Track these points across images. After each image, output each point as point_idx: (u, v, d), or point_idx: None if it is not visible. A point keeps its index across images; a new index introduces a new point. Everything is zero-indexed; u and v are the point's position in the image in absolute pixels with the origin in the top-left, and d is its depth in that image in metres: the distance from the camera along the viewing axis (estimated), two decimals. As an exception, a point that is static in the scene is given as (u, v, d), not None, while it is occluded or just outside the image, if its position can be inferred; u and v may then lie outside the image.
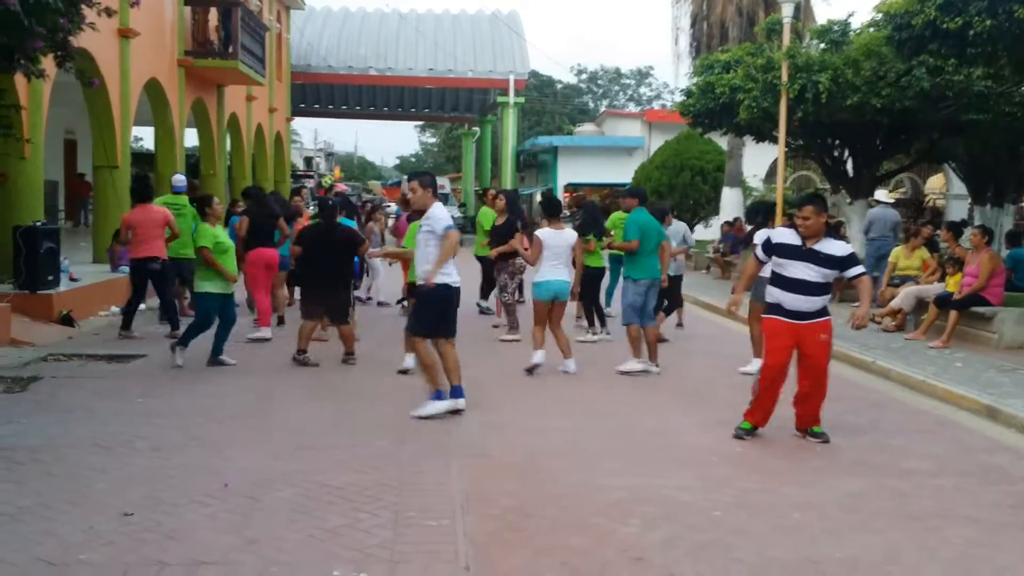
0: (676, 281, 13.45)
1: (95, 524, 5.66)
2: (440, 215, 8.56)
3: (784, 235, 8.15)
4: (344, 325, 11.17)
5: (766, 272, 10.40)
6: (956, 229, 14.86)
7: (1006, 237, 15.26)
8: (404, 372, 10.34)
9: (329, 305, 11.08)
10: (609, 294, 15.23)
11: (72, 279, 14.39)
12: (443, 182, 47.26)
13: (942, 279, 13.86)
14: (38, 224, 13.46)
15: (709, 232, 29.44)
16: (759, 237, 11.32)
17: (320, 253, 11.08)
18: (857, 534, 5.84)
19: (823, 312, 8.01)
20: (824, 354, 8.02)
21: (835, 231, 8.19)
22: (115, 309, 14.42)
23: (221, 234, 10.97)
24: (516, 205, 13.97)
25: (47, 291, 13.15)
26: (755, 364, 11.26)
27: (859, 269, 8.06)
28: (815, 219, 7.90)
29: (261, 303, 12.87)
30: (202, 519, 5.79)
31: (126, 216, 13.20)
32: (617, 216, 14.29)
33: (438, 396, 8.57)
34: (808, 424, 8.15)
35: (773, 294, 8.08)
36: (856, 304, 8.26)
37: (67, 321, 13.05)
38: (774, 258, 8.11)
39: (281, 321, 13.67)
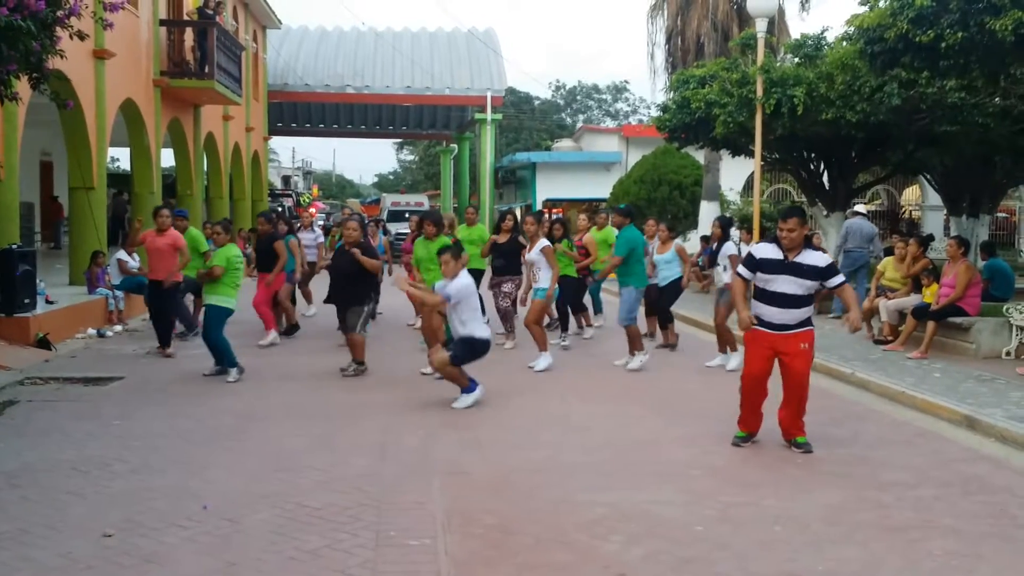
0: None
1: (73, 549, 5.61)
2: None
3: (765, 250, 8.19)
4: (354, 334, 11.50)
5: (729, 281, 10.75)
6: (924, 243, 14.96)
7: (980, 247, 15.34)
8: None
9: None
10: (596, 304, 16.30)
11: (48, 301, 14.30)
12: (421, 199, 47.22)
13: (917, 291, 13.91)
14: (14, 247, 13.37)
15: (688, 246, 29.47)
16: (725, 252, 11.82)
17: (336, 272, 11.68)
18: (838, 546, 5.84)
19: (805, 323, 8.08)
20: (805, 364, 8.09)
21: (808, 242, 8.22)
22: (91, 331, 14.35)
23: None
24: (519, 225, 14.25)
25: (23, 314, 13.06)
26: (718, 359, 12.27)
27: (840, 278, 8.17)
28: (799, 231, 7.97)
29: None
30: (181, 542, 5.75)
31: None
32: (606, 233, 14.71)
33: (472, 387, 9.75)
34: (792, 435, 8.20)
35: (757, 308, 8.13)
36: (832, 315, 8.32)
37: (44, 344, 12.96)
38: (758, 274, 8.14)
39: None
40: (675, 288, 13.87)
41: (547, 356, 12.01)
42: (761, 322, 8.12)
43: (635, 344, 12.11)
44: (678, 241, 14.50)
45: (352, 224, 11.70)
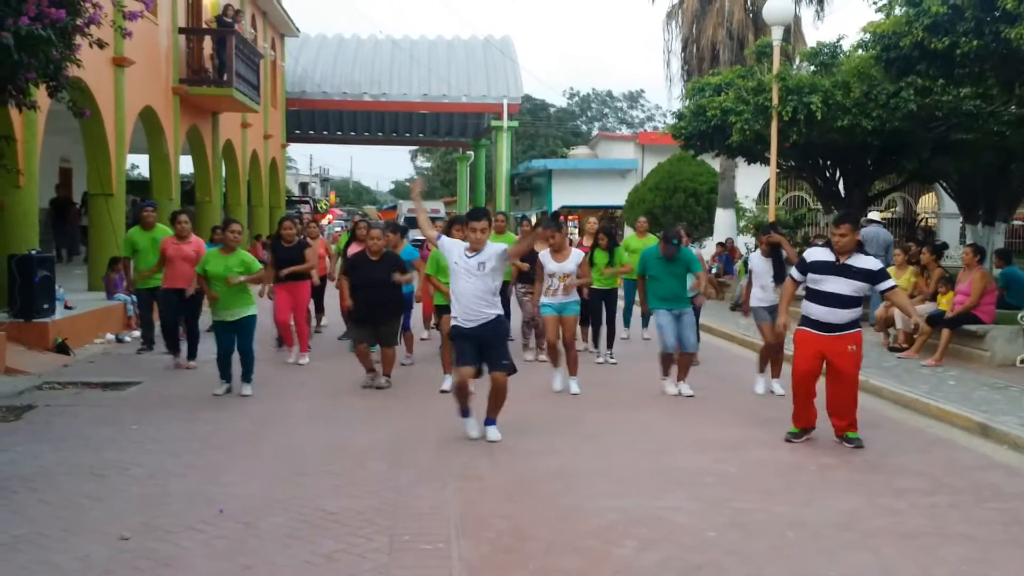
0: None
1: (90, 552, 5.66)
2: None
3: (817, 253, 8.63)
4: (389, 348, 11.17)
5: (761, 302, 10.62)
6: (938, 251, 14.96)
7: (995, 254, 15.30)
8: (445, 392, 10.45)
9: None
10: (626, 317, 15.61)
11: (67, 307, 14.39)
12: (437, 206, 47.31)
13: (932, 299, 13.90)
14: (33, 252, 13.48)
15: (703, 253, 29.49)
16: (752, 262, 11.40)
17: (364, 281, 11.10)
18: (852, 553, 5.85)
19: (853, 324, 8.45)
20: (853, 364, 8.45)
21: (860, 247, 8.51)
22: (110, 337, 14.44)
23: (211, 262, 10.80)
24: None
25: (42, 319, 13.15)
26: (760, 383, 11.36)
27: (891, 282, 8.56)
28: (851, 236, 8.37)
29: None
30: (197, 546, 5.80)
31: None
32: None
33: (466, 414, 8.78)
34: (844, 430, 8.55)
35: (807, 308, 8.52)
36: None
37: (62, 349, 13.05)
38: (809, 275, 8.52)
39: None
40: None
41: (575, 380, 11.13)
42: (809, 322, 8.50)
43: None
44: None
45: (375, 233, 11.22)
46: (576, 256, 11.25)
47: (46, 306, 13.32)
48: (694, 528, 6.26)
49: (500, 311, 8.66)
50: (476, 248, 8.45)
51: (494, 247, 8.57)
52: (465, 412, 8.72)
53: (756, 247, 14.58)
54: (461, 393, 8.56)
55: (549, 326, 11.26)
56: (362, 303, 11.06)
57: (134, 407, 9.95)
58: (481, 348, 8.49)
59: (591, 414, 9.89)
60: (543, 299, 11.18)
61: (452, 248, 8.68)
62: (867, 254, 8.58)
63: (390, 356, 11.21)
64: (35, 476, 7.29)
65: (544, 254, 11.24)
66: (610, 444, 8.60)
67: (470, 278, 8.42)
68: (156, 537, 5.92)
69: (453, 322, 8.65)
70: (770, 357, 11.17)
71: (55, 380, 11.33)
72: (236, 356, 10.78)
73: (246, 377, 10.78)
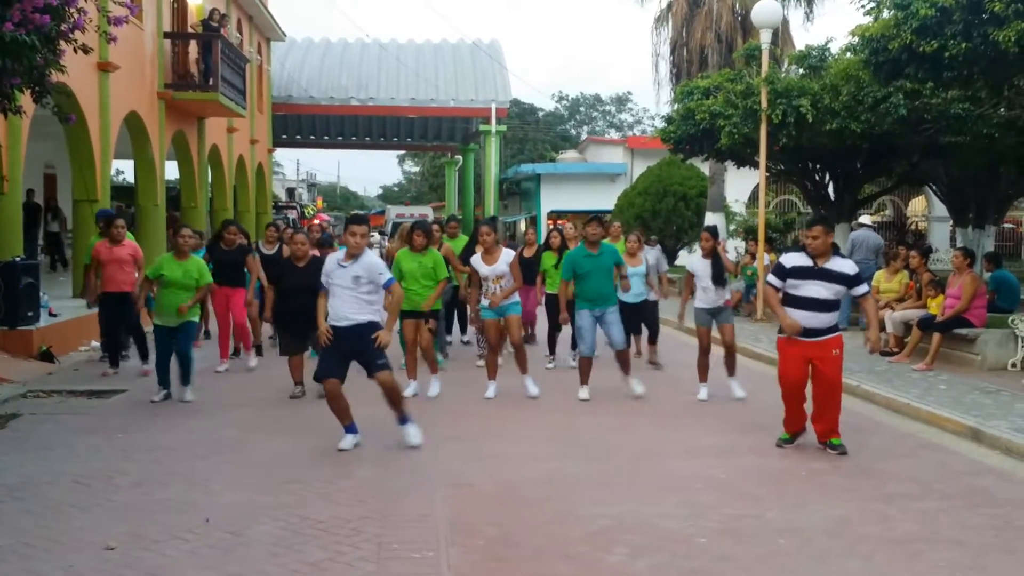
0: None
1: (75, 562, 5.60)
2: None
3: (794, 258, 8.54)
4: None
5: (704, 303, 10.46)
6: (925, 254, 14.96)
7: (985, 258, 15.31)
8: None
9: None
10: None
11: (51, 314, 14.31)
12: (426, 211, 47.23)
13: (919, 299, 13.90)
14: (17, 260, 13.39)
15: (693, 257, 29.52)
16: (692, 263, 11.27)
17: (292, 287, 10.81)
18: (842, 559, 5.82)
19: (834, 328, 8.42)
20: (836, 370, 8.43)
21: (836, 250, 8.46)
22: (95, 344, 14.35)
23: (168, 267, 10.65)
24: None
25: (27, 327, 13.07)
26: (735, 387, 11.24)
27: (865, 288, 8.54)
28: (824, 238, 8.31)
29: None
30: (183, 555, 5.74)
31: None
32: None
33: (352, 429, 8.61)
34: (828, 437, 8.50)
35: (788, 314, 8.41)
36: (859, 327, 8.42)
37: (47, 357, 12.97)
38: (788, 280, 8.45)
39: (259, 351, 13.57)
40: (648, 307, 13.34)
41: (529, 378, 11.15)
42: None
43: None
44: (655, 253, 13.78)
45: (300, 238, 11.04)
46: (507, 256, 11.00)
47: (31, 313, 13.24)
48: (685, 534, 6.22)
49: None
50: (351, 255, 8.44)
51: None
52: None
53: (746, 251, 14.59)
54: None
55: (489, 331, 11.11)
56: (290, 311, 10.79)
57: (119, 415, 9.89)
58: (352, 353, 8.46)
59: (580, 420, 9.85)
60: (484, 302, 11.00)
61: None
62: (842, 256, 8.55)
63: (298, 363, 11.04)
64: (19, 485, 7.22)
65: (475, 258, 11.07)
66: (600, 450, 8.55)
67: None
68: (142, 546, 5.86)
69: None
70: (707, 363, 11.12)
71: (40, 388, 11.25)
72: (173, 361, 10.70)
73: (185, 380, 10.65)
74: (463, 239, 14.49)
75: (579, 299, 10.85)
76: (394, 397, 8.52)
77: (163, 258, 10.96)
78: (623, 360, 11.07)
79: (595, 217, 11.03)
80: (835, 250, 8.46)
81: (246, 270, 13.06)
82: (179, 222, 18.75)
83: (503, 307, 10.94)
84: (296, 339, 11.00)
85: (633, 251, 12.88)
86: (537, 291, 13.59)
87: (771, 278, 8.70)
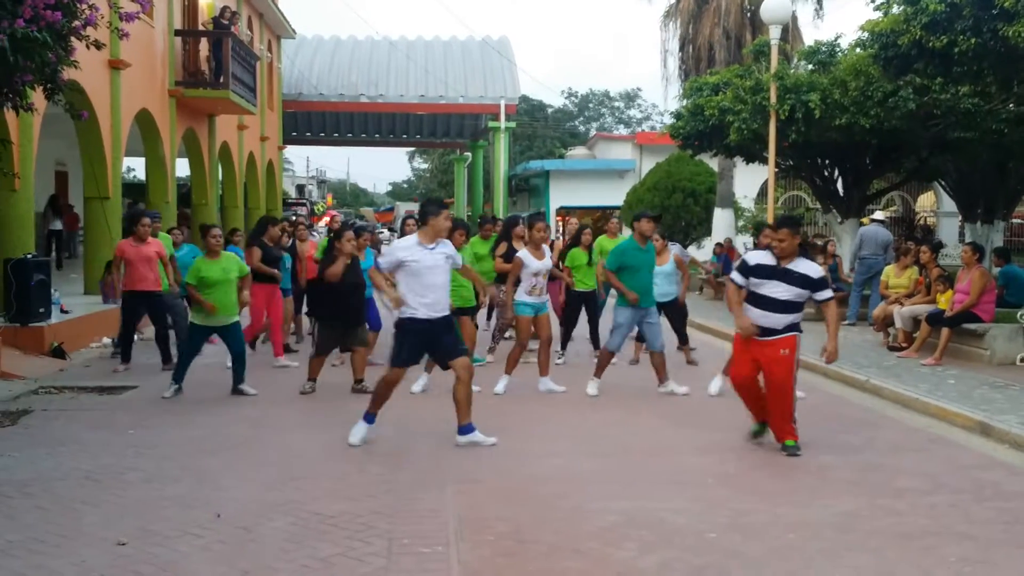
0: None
1: (87, 558, 5.62)
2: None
3: (759, 257, 8.45)
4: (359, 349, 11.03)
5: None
6: (935, 249, 14.93)
7: (994, 253, 15.28)
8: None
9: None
10: None
11: (63, 311, 14.36)
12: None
13: (928, 294, 13.88)
14: (28, 257, 13.44)
15: (701, 253, 29.48)
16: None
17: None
18: (852, 554, 5.82)
19: (790, 329, 8.26)
20: (783, 370, 8.23)
21: (804, 252, 8.35)
22: (106, 341, 14.38)
23: (206, 268, 10.74)
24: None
25: (38, 323, 13.11)
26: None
27: (828, 293, 8.35)
28: (790, 240, 8.17)
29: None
30: (195, 551, 5.76)
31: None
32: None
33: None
34: (781, 438, 8.35)
35: (746, 312, 8.34)
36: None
37: (58, 353, 13.01)
38: (751, 279, 8.34)
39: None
40: (676, 307, 13.12)
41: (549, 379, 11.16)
42: None
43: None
44: (677, 249, 13.70)
45: (349, 235, 11.03)
46: (548, 251, 11.20)
47: (42, 310, 13.29)
48: (695, 530, 6.23)
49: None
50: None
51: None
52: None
53: (755, 245, 14.54)
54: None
55: (524, 327, 11.06)
56: (342, 308, 10.85)
57: (130, 411, 9.92)
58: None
59: (590, 416, 9.86)
60: (526, 298, 10.91)
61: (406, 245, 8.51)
62: (811, 259, 8.43)
63: (364, 356, 11.13)
64: (31, 481, 7.25)
65: (524, 252, 10.96)
66: (610, 446, 8.56)
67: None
68: (154, 542, 5.89)
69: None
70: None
71: (51, 384, 11.29)
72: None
73: (240, 379, 10.83)
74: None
75: (620, 297, 10.76)
76: (466, 389, 8.46)
77: (198, 261, 11.06)
78: (659, 363, 10.97)
79: (644, 213, 10.99)
80: (802, 252, 8.33)
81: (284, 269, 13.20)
82: (190, 219, 18.80)
83: (538, 305, 10.96)
84: (334, 338, 10.99)
85: (659, 250, 12.47)
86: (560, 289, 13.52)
87: (735, 275, 8.57)
